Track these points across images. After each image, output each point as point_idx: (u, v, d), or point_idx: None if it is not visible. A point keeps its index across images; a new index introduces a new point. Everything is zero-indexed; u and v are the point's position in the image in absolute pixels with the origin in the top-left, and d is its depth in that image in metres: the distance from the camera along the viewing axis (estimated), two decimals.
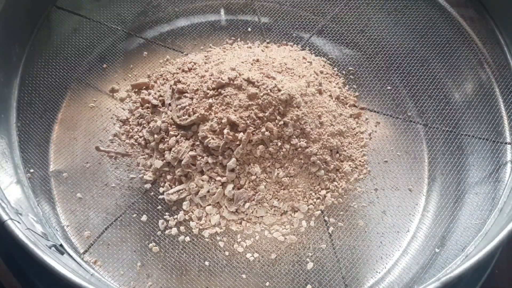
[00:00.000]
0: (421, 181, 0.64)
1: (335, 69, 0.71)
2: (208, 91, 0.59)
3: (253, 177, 0.57)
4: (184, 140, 0.59)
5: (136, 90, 0.68)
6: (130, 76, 0.70)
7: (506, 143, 0.62)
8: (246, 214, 0.57)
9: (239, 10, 0.77)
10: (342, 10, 0.75)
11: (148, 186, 0.60)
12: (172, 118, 0.60)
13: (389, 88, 0.70)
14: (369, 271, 0.57)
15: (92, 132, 0.65)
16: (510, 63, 0.65)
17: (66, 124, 0.66)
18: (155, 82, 0.68)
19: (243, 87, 0.57)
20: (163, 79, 0.67)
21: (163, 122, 0.60)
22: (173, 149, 0.58)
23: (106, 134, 0.65)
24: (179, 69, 0.66)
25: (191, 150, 0.58)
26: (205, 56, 0.67)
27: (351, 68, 0.71)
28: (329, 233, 0.58)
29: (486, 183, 0.60)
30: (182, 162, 0.57)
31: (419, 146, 0.66)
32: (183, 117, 0.59)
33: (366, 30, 0.74)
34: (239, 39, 0.74)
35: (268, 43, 0.73)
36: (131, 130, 0.64)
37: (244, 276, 0.55)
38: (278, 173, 0.57)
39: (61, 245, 0.54)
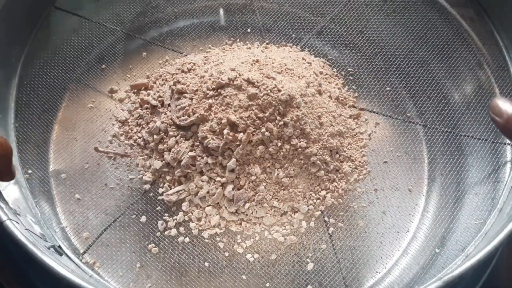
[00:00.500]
0: (421, 181, 0.64)
1: (335, 69, 0.71)
2: (207, 91, 0.58)
3: (253, 178, 0.56)
4: (183, 141, 0.58)
5: (135, 90, 0.68)
6: (129, 77, 0.70)
7: (505, 144, 0.62)
8: (246, 215, 0.57)
9: (238, 10, 0.77)
10: (341, 11, 0.75)
11: (147, 186, 0.60)
12: (171, 119, 0.60)
13: (388, 89, 0.70)
14: (369, 272, 0.57)
15: (91, 133, 0.65)
16: (508, 64, 0.65)
17: (64, 124, 0.66)
18: (154, 82, 0.67)
19: (243, 87, 0.57)
20: (162, 79, 0.67)
21: (162, 122, 0.60)
22: (172, 149, 0.58)
23: (105, 135, 0.64)
24: (179, 69, 0.66)
25: (190, 150, 0.58)
26: (205, 57, 0.67)
27: (351, 69, 0.71)
28: (329, 233, 0.58)
29: (486, 183, 0.60)
30: (182, 163, 0.57)
31: (419, 147, 0.66)
32: (183, 118, 0.59)
33: (365, 31, 0.74)
34: (238, 40, 0.74)
35: (267, 44, 0.73)
36: (130, 131, 0.64)
37: (244, 277, 0.55)
38: (278, 174, 0.57)
39: (59, 247, 0.54)
